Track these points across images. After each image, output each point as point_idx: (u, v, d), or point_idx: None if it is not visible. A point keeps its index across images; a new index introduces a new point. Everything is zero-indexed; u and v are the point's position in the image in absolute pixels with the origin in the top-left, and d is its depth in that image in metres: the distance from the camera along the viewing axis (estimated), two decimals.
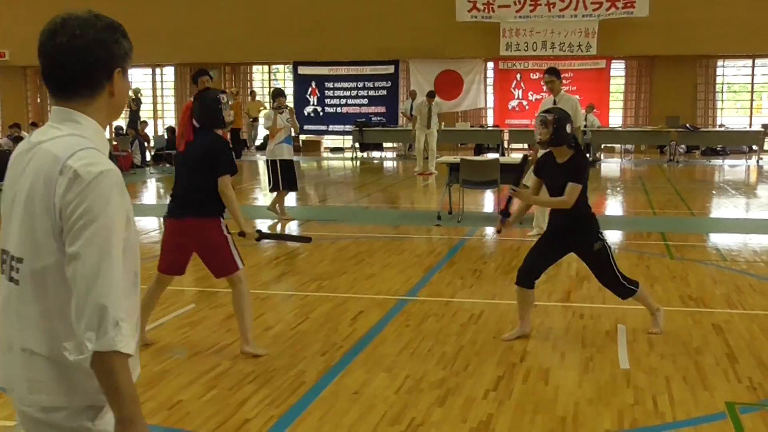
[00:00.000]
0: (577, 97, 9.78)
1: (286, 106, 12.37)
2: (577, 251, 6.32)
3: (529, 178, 6.68)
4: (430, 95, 19.45)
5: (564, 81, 24.94)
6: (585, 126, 22.09)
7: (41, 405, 2.18)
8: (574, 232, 6.21)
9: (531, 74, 25.64)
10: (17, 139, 18.60)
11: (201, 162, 5.66)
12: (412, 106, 23.07)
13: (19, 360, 2.20)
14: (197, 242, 5.78)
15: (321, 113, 27.34)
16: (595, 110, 23.25)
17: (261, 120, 12.59)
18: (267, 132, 12.57)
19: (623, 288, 6.25)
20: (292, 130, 12.31)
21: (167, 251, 5.96)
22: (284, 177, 12.13)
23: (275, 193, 12.35)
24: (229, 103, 6.02)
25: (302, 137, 26.47)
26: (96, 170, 2.09)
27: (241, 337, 5.87)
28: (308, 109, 27.12)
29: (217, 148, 5.73)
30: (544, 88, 10.71)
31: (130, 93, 27.37)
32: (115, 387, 2.07)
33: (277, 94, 12.55)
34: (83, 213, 2.06)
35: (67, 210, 2.08)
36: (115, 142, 20.69)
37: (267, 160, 12.38)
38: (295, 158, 12.69)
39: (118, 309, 2.05)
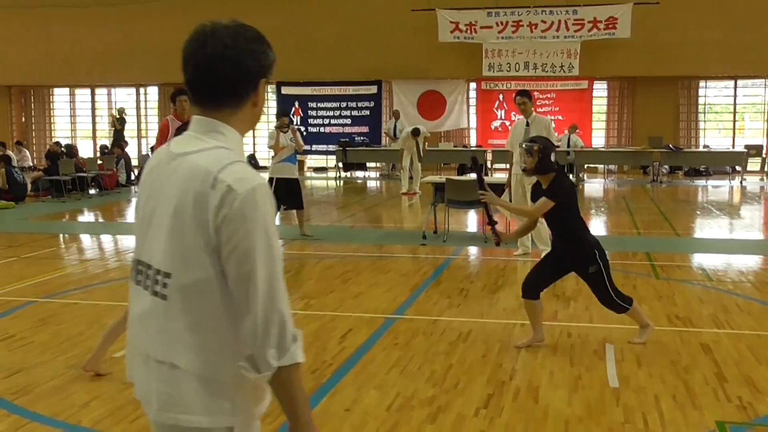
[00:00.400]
0: (550, 117, 9.89)
1: (289, 125, 12.41)
2: (577, 272, 6.59)
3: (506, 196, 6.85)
4: (415, 133, 18.92)
5: (546, 102, 25.44)
6: (568, 147, 22.33)
7: (179, 423, 2.17)
8: (570, 253, 6.46)
9: (513, 95, 25.74)
10: (3, 158, 18.54)
11: None
12: (395, 126, 23.18)
13: (155, 373, 2.19)
14: None
15: (304, 133, 27.38)
16: (577, 131, 23.41)
17: (268, 141, 12.59)
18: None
19: (618, 306, 6.51)
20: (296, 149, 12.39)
21: None
22: (288, 195, 12.15)
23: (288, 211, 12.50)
24: None
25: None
26: (249, 185, 2.09)
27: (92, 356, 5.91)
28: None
29: None
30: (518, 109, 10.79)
31: (114, 112, 27.47)
32: (294, 396, 2.14)
33: (281, 114, 12.65)
34: (246, 231, 2.06)
35: (224, 227, 2.07)
36: (100, 161, 20.65)
37: (270, 179, 12.42)
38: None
39: (291, 322, 2.11)
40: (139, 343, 2.26)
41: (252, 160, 28.42)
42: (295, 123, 26.70)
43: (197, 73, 2.21)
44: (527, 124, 10.31)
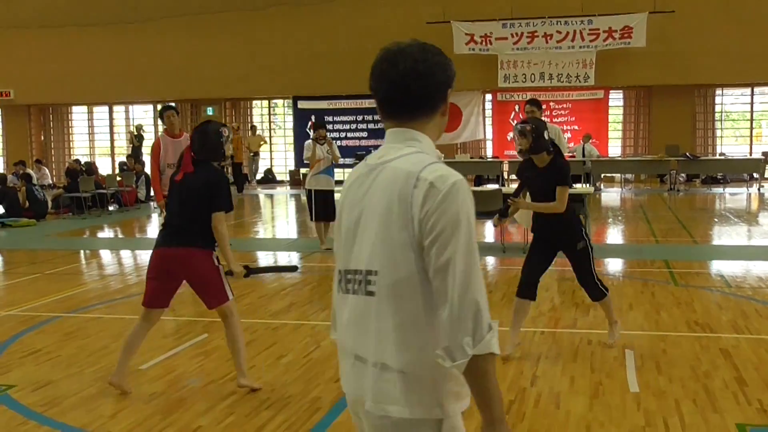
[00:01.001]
0: (558, 127, 9.96)
1: (325, 137, 12.47)
2: (564, 250, 6.66)
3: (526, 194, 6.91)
4: None
5: (562, 112, 25.48)
6: (583, 156, 22.37)
7: (389, 414, 2.28)
8: (560, 232, 6.60)
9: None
10: (24, 176, 18.77)
11: (200, 194, 5.61)
12: None
13: (368, 372, 2.31)
14: (188, 273, 5.70)
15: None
16: (592, 140, 23.45)
17: (305, 152, 12.69)
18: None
19: (597, 290, 6.62)
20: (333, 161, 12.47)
21: (154, 282, 5.78)
22: (324, 207, 12.22)
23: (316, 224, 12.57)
24: (230, 137, 6.01)
25: (302, 170, 26.61)
26: (450, 181, 2.23)
27: (237, 371, 5.83)
28: (308, 143, 27.26)
29: (219, 182, 5.70)
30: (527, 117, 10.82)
31: (132, 129, 27.72)
32: (487, 389, 2.21)
33: (317, 126, 12.71)
34: (447, 223, 2.20)
35: (427, 221, 2.21)
36: (119, 178, 20.84)
37: (307, 191, 12.50)
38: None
39: (487, 312, 2.20)
40: (348, 345, 2.39)
41: (269, 174, 28.60)
42: (311, 137, 26.81)
43: (392, 89, 2.38)
44: None
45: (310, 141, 12.62)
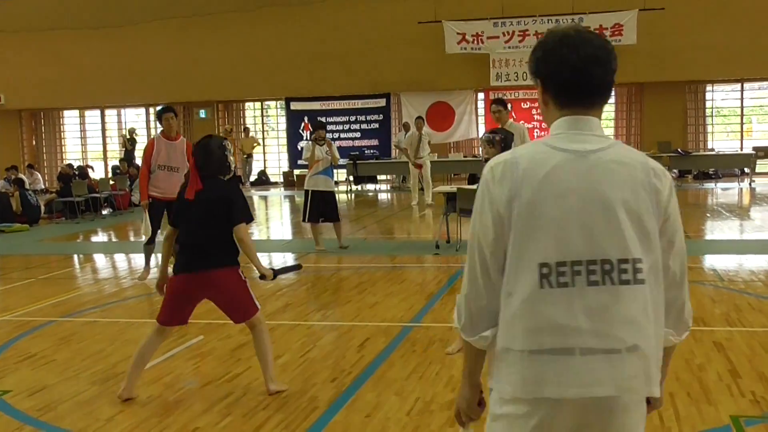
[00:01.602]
0: (524, 123, 10.01)
1: (324, 138, 12.50)
2: None
3: None
4: (419, 121, 19.64)
5: None
6: None
7: (636, 396, 2.33)
8: None
9: (522, 104, 25.91)
10: (16, 181, 18.75)
11: (215, 211, 5.54)
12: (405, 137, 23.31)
13: (623, 359, 2.28)
14: (216, 294, 5.63)
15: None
16: None
17: (304, 153, 12.76)
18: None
19: None
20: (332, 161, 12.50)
21: (175, 304, 5.68)
22: (322, 208, 12.25)
23: (310, 224, 12.59)
24: (228, 146, 5.88)
25: (296, 171, 26.67)
26: (666, 171, 2.41)
27: (264, 378, 5.79)
28: (301, 144, 27.28)
29: (232, 195, 5.62)
30: (493, 117, 10.81)
31: (125, 132, 27.70)
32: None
33: (317, 127, 12.73)
34: (674, 209, 2.38)
35: (666, 208, 2.35)
36: (112, 182, 20.82)
37: (305, 191, 12.52)
38: (333, 189, 12.73)
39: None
40: (589, 342, 2.25)
41: (263, 176, 28.60)
42: (304, 138, 26.90)
43: (573, 74, 2.36)
44: None
45: (309, 142, 12.68)
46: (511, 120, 10.63)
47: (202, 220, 5.56)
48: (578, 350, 2.25)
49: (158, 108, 10.69)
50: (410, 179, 20.64)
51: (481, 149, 6.79)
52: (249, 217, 5.68)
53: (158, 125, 10.50)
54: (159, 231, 10.66)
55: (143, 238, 10.62)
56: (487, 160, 6.64)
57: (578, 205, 2.27)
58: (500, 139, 6.54)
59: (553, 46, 2.38)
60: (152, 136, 10.49)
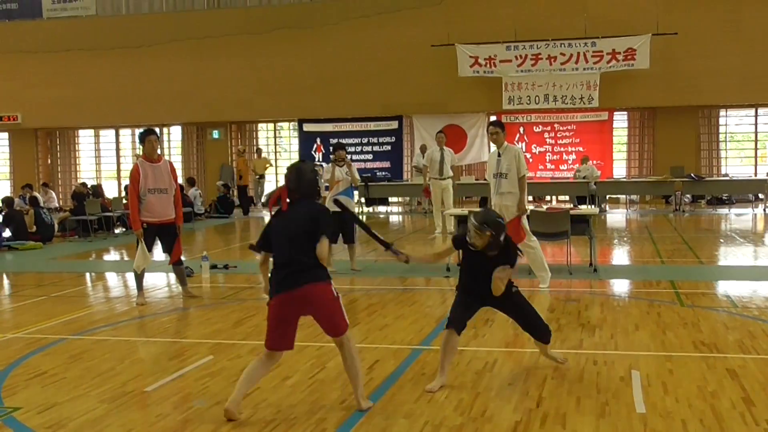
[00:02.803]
0: (520, 146, 9.95)
1: (344, 159, 12.54)
2: (495, 301, 6.50)
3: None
4: (440, 135, 17.96)
5: (567, 133, 25.54)
6: (584, 177, 22.43)
7: None
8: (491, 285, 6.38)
9: (534, 127, 25.93)
10: (31, 200, 18.86)
11: (307, 228, 5.64)
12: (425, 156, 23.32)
13: None
14: (315, 308, 5.69)
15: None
16: (591, 161, 23.55)
17: (324, 174, 12.85)
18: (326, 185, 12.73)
19: (542, 330, 6.65)
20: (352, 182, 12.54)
21: (279, 327, 5.74)
22: (341, 229, 12.25)
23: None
24: (320, 171, 6.07)
25: None
26: None
27: (355, 395, 5.79)
28: None
29: (325, 213, 5.77)
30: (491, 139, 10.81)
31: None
32: None
33: (337, 148, 12.81)
34: None
35: None
36: (125, 201, 20.85)
37: None
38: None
39: None
40: None
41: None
42: (317, 159, 26.96)
43: None
44: (499, 155, 10.51)
45: (329, 164, 12.76)
46: (506, 143, 10.61)
47: (296, 239, 5.65)
48: None
49: (140, 130, 10.63)
50: (426, 203, 20.30)
51: (467, 233, 6.40)
52: (331, 236, 5.84)
53: (141, 146, 10.38)
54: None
55: (136, 270, 10.46)
56: (470, 245, 6.33)
57: None
58: (491, 235, 6.18)
59: None
60: (135, 162, 10.55)
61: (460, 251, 6.56)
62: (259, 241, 5.96)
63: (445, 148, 17.79)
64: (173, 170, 10.51)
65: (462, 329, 6.45)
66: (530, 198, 23.21)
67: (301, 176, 5.82)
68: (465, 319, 6.48)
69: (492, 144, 10.84)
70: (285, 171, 6.00)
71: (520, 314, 6.62)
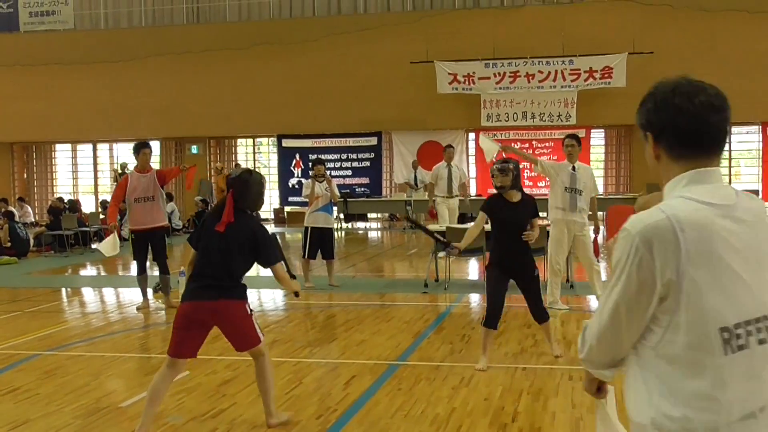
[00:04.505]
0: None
1: (324, 175, 12.55)
2: (523, 279, 7.43)
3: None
4: (450, 150, 16.78)
5: (545, 150, 25.67)
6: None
7: None
8: (524, 263, 7.37)
9: (512, 144, 26.04)
10: (6, 214, 18.72)
11: (242, 247, 5.57)
12: (415, 176, 23.41)
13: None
14: (222, 323, 5.60)
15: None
16: None
17: (304, 190, 12.88)
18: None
19: (545, 312, 7.61)
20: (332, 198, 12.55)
21: (183, 332, 5.58)
22: (321, 245, 12.25)
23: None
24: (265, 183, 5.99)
25: (287, 208, 26.70)
26: None
27: (265, 411, 5.75)
28: (293, 181, 27.37)
29: (264, 234, 5.67)
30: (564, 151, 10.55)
31: (117, 167, 27.70)
32: None
33: (316, 163, 12.84)
34: None
35: None
36: (102, 216, 20.78)
37: (304, 228, 12.53)
38: (331, 226, 12.86)
39: None
40: (746, 406, 2.17)
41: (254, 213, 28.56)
42: (296, 175, 26.96)
43: (692, 123, 2.29)
44: (573, 169, 10.21)
45: (309, 180, 12.77)
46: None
47: (226, 253, 5.57)
48: (740, 415, 2.17)
49: (135, 143, 11.09)
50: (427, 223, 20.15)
51: (492, 178, 7.02)
52: (281, 256, 5.78)
53: (135, 158, 11.00)
54: (147, 262, 11.11)
55: (103, 252, 11.10)
56: (499, 188, 7.23)
57: (743, 260, 2.20)
58: (513, 168, 7.06)
59: (666, 96, 2.35)
60: (127, 173, 10.96)
61: (489, 222, 7.47)
62: (192, 238, 5.90)
63: (453, 164, 16.77)
64: (159, 177, 10.79)
65: (497, 323, 7.31)
66: None
67: (248, 188, 5.75)
68: (500, 308, 7.29)
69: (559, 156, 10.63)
70: (231, 180, 5.86)
71: (532, 295, 7.44)
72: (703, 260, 2.15)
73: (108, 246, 10.77)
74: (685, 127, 2.28)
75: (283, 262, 5.81)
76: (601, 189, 26.20)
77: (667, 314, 2.18)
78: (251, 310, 5.72)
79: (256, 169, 6.03)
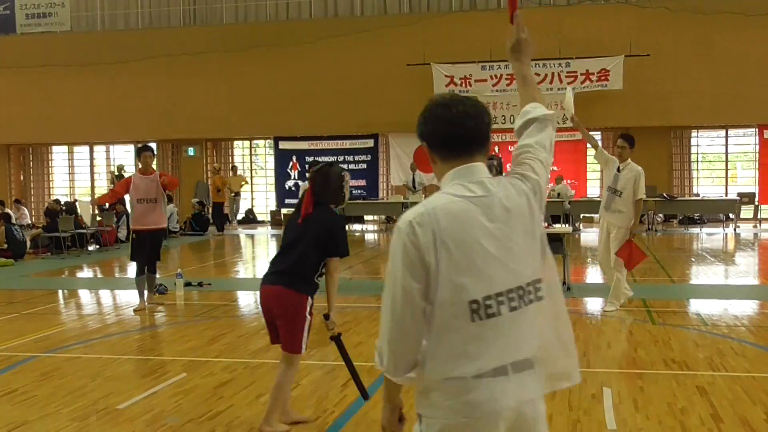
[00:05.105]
0: (641, 169, 9.52)
1: None
2: None
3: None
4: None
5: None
6: (557, 197, 22.61)
7: (542, 398, 2.79)
8: None
9: (509, 146, 26.05)
10: (3, 216, 18.70)
11: (318, 237, 5.60)
12: (413, 178, 23.43)
13: (536, 371, 2.73)
14: (281, 311, 5.66)
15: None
16: (565, 180, 23.73)
17: (300, 192, 12.88)
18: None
19: None
20: None
21: (266, 320, 5.85)
22: None
23: None
24: (347, 177, 5.99)
25: (283, 210, 26.68)
26: None
27: (265, 415, 5.75)
28: (289, 183, 27.39)
29: (337, 228, 5.70)
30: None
31: (113, 169, 27.69)
32: None
33: (313, 165, 12.81)
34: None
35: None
36: (99, 218, 20.78)
37: None
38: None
39: None
40: (511, 360, 2.64)
41: (250, 215, 28.60)
42: (292, 177, 26.96)
43: (451, 128, 2.75)
44: (618, 169, 10.14)
45: (305, 182, 12.74)
46: (630, 160, 10.26)
47: (302, 244, 5.63)
48: (509, 370, 2.63)
49: (139, 145, 11.42)
50: None
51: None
52: (346, 252, 5.78)
53: (137, 160, 11.30)
54: (146, 264, 11.11)
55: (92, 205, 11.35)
56: None
57: (498, 243, 2.63)
58: (497, 164, 6.89)
59: (431, 109, 2.80)
60: (130, 175, 11.23)
61: None
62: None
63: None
64: (161, 179, 11.06)
65: None
66: None
67: (328, 180, 5.78)
68: None
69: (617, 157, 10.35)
70: (313, 173, 5.90)
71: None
72: (456, 245, 2.58)
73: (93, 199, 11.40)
74: (446, 132, 2.74)
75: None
76: (597, 191, 26.27)
77: (431, 293, 2.59)
78: (310, 315, 5.74)
79: (338, 167, 5.97)
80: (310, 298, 5.69)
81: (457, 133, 2.72)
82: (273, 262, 5.77)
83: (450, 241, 2.56)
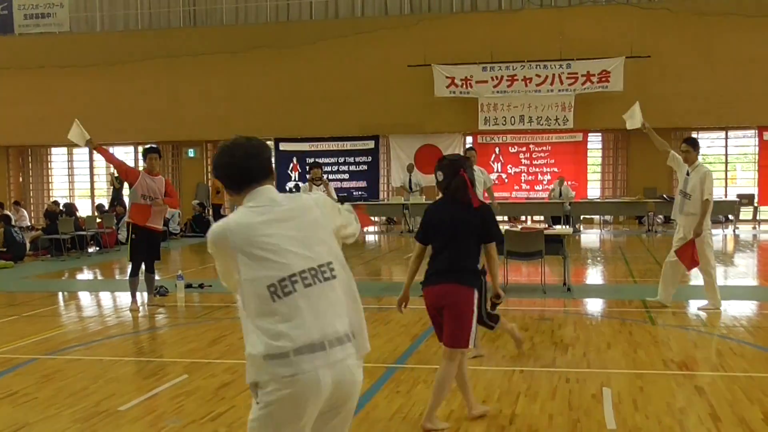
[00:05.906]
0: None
1: (321, 178, 12.55)
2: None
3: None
4: (471, 152, 13.99)
5: (542, 154, 25.72)
6: (559, 197, 22.64)
7: (360, 370, 3.39)
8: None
9: (509, 147, 26.11)
10: (2, 218, 18.71)
11: (474, 228, 5.66)
12: (410, 179, 23.42)
13: (350, 345, 3.31)
14: (450, 305, 5.66)
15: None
16: (566, 182, 23.75)
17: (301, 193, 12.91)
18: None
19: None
20: None
21: (432, 320, 5.92)
22: None
23: None
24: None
25: None
26: None
27: (427, 412, 5.77)
28: (290, 185, 27.41)
29: (488, 214, 5.75)
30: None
31: (113, 171, 27.69)
32: None
33: (313, 166, 12.85)
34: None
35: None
36: (99, 220, 20.79)
37: None
38: None
39: None
40: (325, 333, 3.21)
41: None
42: (293, 178, 26.98)
43: (237, 171, 3.43)
44: (687, 173, 10.27)
45: (306, 183, 12.80)
46: (698, 162, 10.38)
47: (461, 238, 5.68)
48: (325, 345, 3.18)
49: (146, 146, 11.52)
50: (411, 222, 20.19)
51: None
52: (501, 237, 5.88)
53: (143, 164, 11.47)
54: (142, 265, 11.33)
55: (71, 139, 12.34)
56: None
57: (293, 234, 3.30)
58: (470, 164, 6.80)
59: (218, 157, 3.47)
60: (139, 170, 11.39)
61: None
62: (418, 234, 6.01)
63: (476, 167, 13.95)
64: (167, 186, 11.46)
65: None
66: (505, 218, 23.36)
67: (450, 172, 5.78)
68: None
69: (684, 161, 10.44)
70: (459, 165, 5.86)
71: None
72: (248, 246, 3.23)
73: (75, 133, 12.49)
74: (234, 174, 3.41)
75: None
76: (597, 192, 26.32)
77: (240, 284, 3.26)
78: (477, 309, 5.76)
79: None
80: (476, 289, 5.72)
81: (243, 173, 3.38)
82: (432, 260, 5.83)
83: (244, 244, 3.23)
